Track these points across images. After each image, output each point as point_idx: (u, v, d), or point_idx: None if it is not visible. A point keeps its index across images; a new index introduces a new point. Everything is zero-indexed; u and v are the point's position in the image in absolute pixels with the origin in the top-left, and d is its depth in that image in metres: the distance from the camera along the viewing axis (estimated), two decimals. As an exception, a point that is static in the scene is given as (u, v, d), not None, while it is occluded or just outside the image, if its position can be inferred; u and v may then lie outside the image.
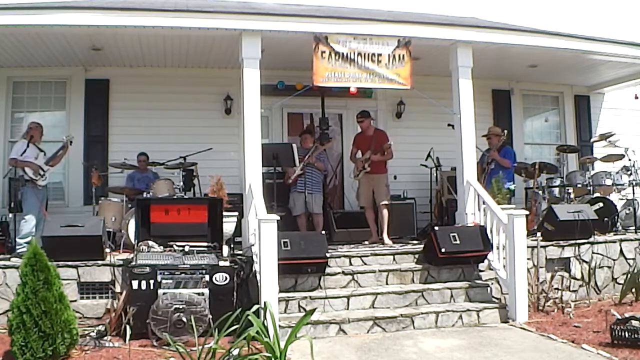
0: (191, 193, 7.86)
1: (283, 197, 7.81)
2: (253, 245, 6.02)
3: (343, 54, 6.86)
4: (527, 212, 6.45)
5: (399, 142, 7.99)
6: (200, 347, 4.17)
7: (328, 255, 6.05)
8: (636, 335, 4.70)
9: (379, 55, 6.97)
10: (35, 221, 6.78)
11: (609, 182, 8.38)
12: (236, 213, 6.86)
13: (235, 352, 4.27)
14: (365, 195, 7.83)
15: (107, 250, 6.22)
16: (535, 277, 6.48)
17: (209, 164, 7.87)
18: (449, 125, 7.67)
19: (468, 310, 5.79)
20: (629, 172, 8.30)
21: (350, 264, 6.47)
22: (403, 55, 7.05)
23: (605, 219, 7.85)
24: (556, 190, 8.65)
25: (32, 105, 8.61)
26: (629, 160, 8.33)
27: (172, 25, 6.59)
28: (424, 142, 8.77)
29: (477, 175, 7.45)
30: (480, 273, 6.45)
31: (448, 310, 5.73)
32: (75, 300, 5.65)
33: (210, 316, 5.11)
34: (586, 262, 7.08)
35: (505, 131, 8.35)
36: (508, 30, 7.64)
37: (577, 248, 7.06)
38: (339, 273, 6.15)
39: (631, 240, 7.48)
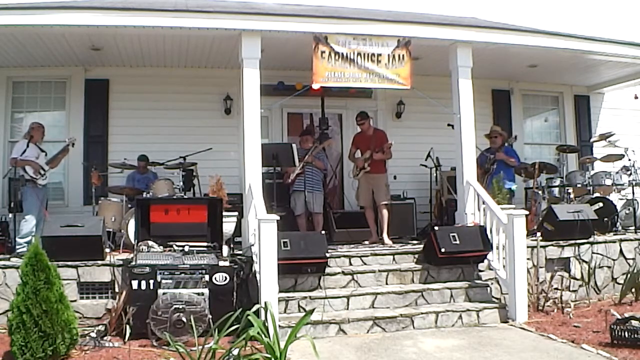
0: (191, 193, 7.86)
1: (283, 197, 7.80)
2: (253, 245, 6.02)
3: (343, 54, 6.86)
4: (527, 212, 6.45)
5: (399, 142, 7.98)
6: (200, 347, 4.17)
7: (328, 255, 6.06)
8: (636, 335, 4.70)
9: (379, 55, 6.98)
10: (35, 221, 6.78)
11: (608, 182, 8.38)
12: (236, 213, 6.87)
13: (235, 352, 4.27)
14: (365, 195, 7.83)
15: (107, 250, 6.22)
16: (535, 277, 6.48)
17: (208, 164, 7.88)
18: (448, 125, 7.67)
19: (468, 310, 5.80)
20: (628, 172, 8.31)
21: (350, 264, 6.47)
22: (403, 55, 7.05)
23: (605, 219, 7.85)
24: (556, 190, 8.65)
25: (32, 105, 8.61)
26: (629, 160, 8.34)
27: (172, 25, 6.59)
28: (424, 142, 8.76)
29: (477, 175, 7.46)
30: (480, 273, 6.45)
31: (448, 310, 5.74)
32: (75, 300, 5.64)
33: (210, 316, 5.11)
34: (586, 262, 7.08)
35: (516, 135, 8.47)
36: (508, 30, 7.65)
37: (577, 248, 7.06)
38: (338, 273, 6.15)
39: (631, 240, 7.47)
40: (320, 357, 4.36)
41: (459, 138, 7.31)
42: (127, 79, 8.72)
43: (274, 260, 5.29)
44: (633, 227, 8.04)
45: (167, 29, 6.65)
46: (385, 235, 7.57)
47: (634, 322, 4.77)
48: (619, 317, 4.96)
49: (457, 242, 6.31)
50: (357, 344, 5.05)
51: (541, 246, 6.86)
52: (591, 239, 7.16)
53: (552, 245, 6.97)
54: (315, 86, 6.99)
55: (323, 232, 6.64)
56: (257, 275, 5.52)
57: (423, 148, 8.70)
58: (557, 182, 8.66)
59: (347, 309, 5.77)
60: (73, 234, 5.82)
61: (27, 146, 6.88)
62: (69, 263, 5.74)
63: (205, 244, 6.26)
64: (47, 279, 4.52)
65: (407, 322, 5.58)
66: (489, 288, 6.25)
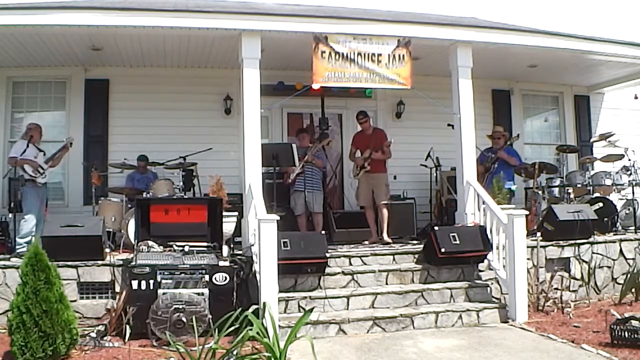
0: (191, 193, 7.86)
1: (283, 197, 7.80)
2: (253, 245, 6.02)
3: (343, 53, 6.86)
4: (527, 212, 6.46)
5: (399, 142, 7.98)
6: (200, 347, 4.17)
7: (328, 255, 6.05)
8: (636, 335, 4.70)
9: (379, 55, 6.98)
10: (36, 221, 6.78)
11: (608, 182, 8.38)
12: (236, 213, 6.87)
13: (235, 352, 4.27)
14: (365, 194, 7.83)
15: (107, 250, 6.22)
16: (535, 277, 6.48)
17: (208, 164, 7.88)
18: (448, 125, 7.68)
19: (468, 310, 5.80)
20: (628, 172, 8.30)
21: (350, 264, 6.47)
22: (403, 55, 7.05)
23: (605, 219, 7.84)
24: (556, 190, 8.65)
25: (32, 105, 8.61)
26: (629, 160, 8.33)
27: (172, 25, 6.59)
28: (424, 142, 8.76)
29: (478, 174, 7.47)
30: (480, 273, 6.45)
31: (448, 310, 5.74)
32: (75, 300, 5.64)
33: (210, 316, 5.11)
34: (586, 262, 7.08)
35: (518, 134, 8.57)
36: (508, 30, 7.65)
37: (576, 248, 7.05)
38: (338, 273, 6.15)
39: (631, 240, 7.47)
40: (320, 357, 4.37)
41: (459, 138, 7.31)
42: (127, 79, 8.72)
43: (274, 260, 5.29)
44: (633, 227, 8.04)
45: (167, 29, 6.65)
46: (385, 235, 7.57)
47: (634, 322, 4.77)
48: (619, 317, 4.96)
49: (457, 242, 6.31)
50: (357, 344, 5.05)
51: (541, 246, 6.86)
52: (591, 239, 7.16)
53: (552, 245, 6.97)
54: (315, 86, 6.99)
55: (323, 232, 6.64)
56: (257, 275, 5.52)
57: (423, 148, 8.70)
58: (557, 182, 8.66)
59: (347, 309, 5.77)
60: (73, 234, 5.82)
61: (27, 146, 6.88)
62: (69, 263, 5.74)
63: (205, 244, 6.26)
64: (47, 279, 4.52)
65: (407, 322, 5.58)
66: (489, 288, 6.25)
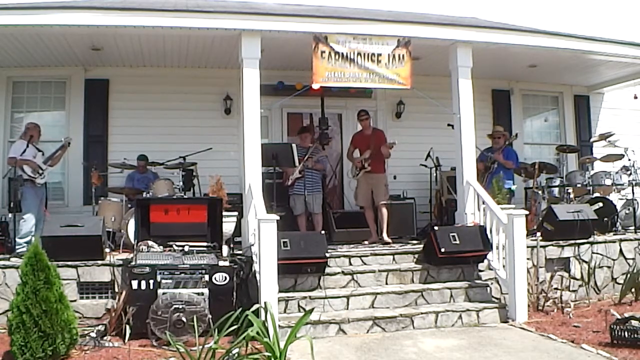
0: (191, 193, 7.86)
1: (283, 197, 7.80)
2: (253, 245, 6.02)
3: (343, 53, 6.86)
4: (527, 212, 6.46)
5: (399, 142, 7.97)
6: (200, 347, 4.17)
7: (328, 255, 6.05)
8: (636, 335, 4.70)
9: (379, 55, 6.98)
10: (35, 221, 6.78)
11: (608, 182, 8.39)
12: (236, 213, 6.87)
13: (235, 351, 4.27)
14: (364, 194, 7.83)
15: (107, 250, 6.22)
16: (535, 277, 6.48)
17: (208, 164, 7.89)
18: (448, 125, 7.67)
19: (468, 310, 5.80)
20: (628, 172, 8.31)
21: (350, 263, 6.47)
22: (403, 55, 7.05)
23: (605, 219, 7.85)
24: (556, 190, 8.65)
25: (32, 105, 8.61)
26: (629, 160, 8.34)
27: (172, 25, 6.60)
28: (424, 142, 8.76)
29: (478, 173, 7.47)
30: (480, 273, 6.45)
31: (448, 310, 5.74)
32: (75, 300, 5.64)
33: (210, 316, 5.11)
34: (586, 262, 7.08)
35: (517, 133, 8.57)
36: (508, 30, 7.65)
37: (576, 248, 7.06)
38: (338, 273, 6.15)
39: (631, 240, 7.47)
40: (320, 357, 4.37)
41: (459, 138, 7.31)
42: (127, 79, 8.72)
43: (273, 260, 5.29)
44: (633, 227, 8.04)
45: (167, 29, 6.65)
46: (385, 235, 7.57)
47: (634, 322, 4.77)
48: (619, 317, 4.96)
49: (457, 242, 6.31)
50: (357, 344, 5.05)
51: (541, 246, 6.86)
52: (591, 239, 7.16)
53: (552, 245, 6.97)
54: (315, 86, 6.99)
55: (323, 232, 6.64)
56: (257, 275, 5.52)
57: (423, 148, 8.70)
58: (557, 182, 8.67)
59: (347, 308, 5.77)
60: (73, 234, 5.82)
61: (27, 146, 6.88)
62: (69, 263, 5.74)
63: (205, 244, 6.26)
64: (47, 279, 4.52)
65: (407, 322, 5.58)
66: (489, 288, 6.25)
